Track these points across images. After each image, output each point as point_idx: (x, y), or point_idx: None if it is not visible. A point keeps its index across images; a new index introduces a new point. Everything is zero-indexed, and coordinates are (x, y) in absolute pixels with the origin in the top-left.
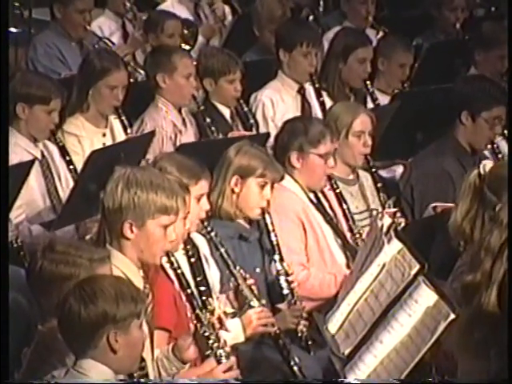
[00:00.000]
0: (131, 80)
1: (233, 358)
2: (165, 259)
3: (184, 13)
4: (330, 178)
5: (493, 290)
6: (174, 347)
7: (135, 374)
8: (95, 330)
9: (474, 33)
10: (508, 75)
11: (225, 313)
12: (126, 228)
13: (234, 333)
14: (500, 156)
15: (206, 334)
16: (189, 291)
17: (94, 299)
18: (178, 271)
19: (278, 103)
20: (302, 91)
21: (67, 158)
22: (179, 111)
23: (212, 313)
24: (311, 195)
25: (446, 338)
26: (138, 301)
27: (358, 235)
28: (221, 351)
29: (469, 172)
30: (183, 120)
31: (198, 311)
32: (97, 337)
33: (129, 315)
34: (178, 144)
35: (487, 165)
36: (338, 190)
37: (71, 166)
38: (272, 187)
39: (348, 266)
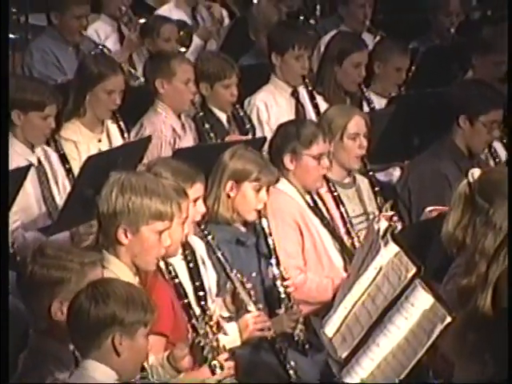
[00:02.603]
0: (128, 84)
1: (228, 365)
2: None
3: (182, 14)
4: (327, 180)
5: (488, 292)
6: (169, 356)
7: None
8: (102, 329)
9: (471, 37)
10: (508, 80)
11: (221, 317)
12: (120, 233)
13: (230, 337)
14: (497, 160)
15: (202, 343)
16: (186, 301)
17: (106, 299)
18: (176, 281)
19: (272, 107)
20: (295, 94)
21: (67, 166)
22: (178, 116)
23: (211, 318)
24: (308, 198)
25: (442, 341)
26: (148, 310)
27: (355, 238)
28: (215, 362)
29: (457, 183)
30: (182, 125)
31: (193, 321)
32: (102, 336)
33: (137, 321)
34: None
35: (475, 173)
36: (335, 193)
37: (70, 175)
38: (268, 190)
39: (346, 270)
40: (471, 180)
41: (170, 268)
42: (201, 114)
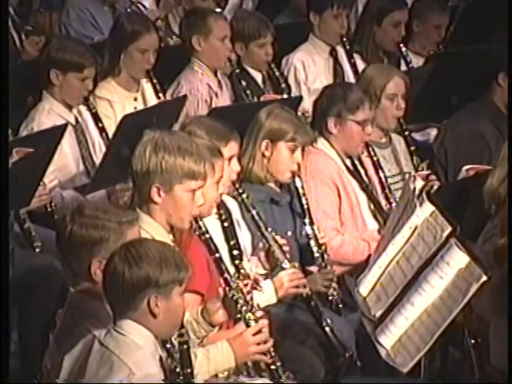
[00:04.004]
0: (163, 44)
1: (262, 321)
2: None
3: None
4: (367, 145)
5: None
6: (202, 310)
7: (174, 341)
8: (137, 292)
9: None
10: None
11: (257, 274)
12: (153, 192)
13: (266, 295)
14: None
15: (235, 297)
16: (217, 255)
17: (139, 261)
18: (207, 236)
19: (309, 66)
20: (333, 54)
21: (100, 125)
22: (215, 74)
23: (246, 277)
24: (348, 161)
25: (478, 300)
26: (182, 268)
27: (394, 204)
28: (249, 314)
29: (491, 133)
30: (219, 82)
31: (226, 275)
32: (138, 299)
33: (171, 281)
34: (213, 107)
35: None
36: (375, 158)
37: (104, 133)
38: (303, 151)
39: (380, 233)
40: None
41: (200, 223)
42: (237, 71)
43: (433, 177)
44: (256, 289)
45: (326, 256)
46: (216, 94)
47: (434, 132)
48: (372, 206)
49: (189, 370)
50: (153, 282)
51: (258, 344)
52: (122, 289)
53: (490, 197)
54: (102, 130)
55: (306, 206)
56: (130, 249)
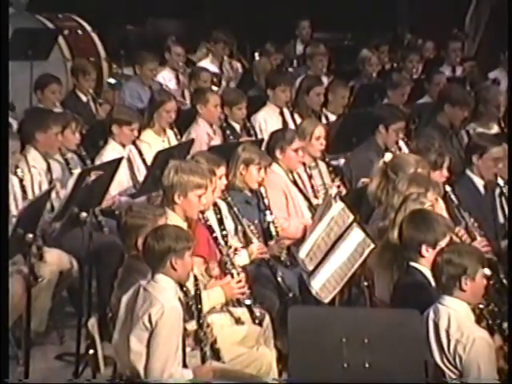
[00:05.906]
0: (180, 108)
1: (241, 275)
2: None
3: (214, 67)
4: (304, 165)
5: (394, 230)
6: (206, 268)
7: (189, 286)
8: (163, 256)
9: (385, 78)
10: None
11: (237, 247)
12: (175, 197)
13: (243, 258)
14: (402, 151)
15: (224, 260)
16: (214, 235)
17: (163, 238)
18: (208, 223)
19: (267, 121)
20: (282, 113)
21: (143, 158)
22: (211, 126)
23: (230, 247)
24: (291, 176)
25: (369, 259)
26: (190, 240)
27: (320, 200)
28: (234, 271)
29: (377, 160)
30: (214, 132)
31: (219, 247)
32: (165, 261)
33: (183, 248)
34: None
35: (388, 156)
36: (308, 173)
37: (145, 163)
38: (265, 170)
39: (312, 219)
40: (386, 160)
41: (204, 215)
42: (224, 124)
43: (341, 186)
44: (237, 254)
45: (279, 234)
46: (212, 139)
47: (343, 160)
48: (307, 203)
49: (199, 306)
50: (172, 249)
51: (239, 288)
52: (154, 255)
53: (373, 197)
54: (144, 161)
55: (267, 204)
56: (157, 231)
